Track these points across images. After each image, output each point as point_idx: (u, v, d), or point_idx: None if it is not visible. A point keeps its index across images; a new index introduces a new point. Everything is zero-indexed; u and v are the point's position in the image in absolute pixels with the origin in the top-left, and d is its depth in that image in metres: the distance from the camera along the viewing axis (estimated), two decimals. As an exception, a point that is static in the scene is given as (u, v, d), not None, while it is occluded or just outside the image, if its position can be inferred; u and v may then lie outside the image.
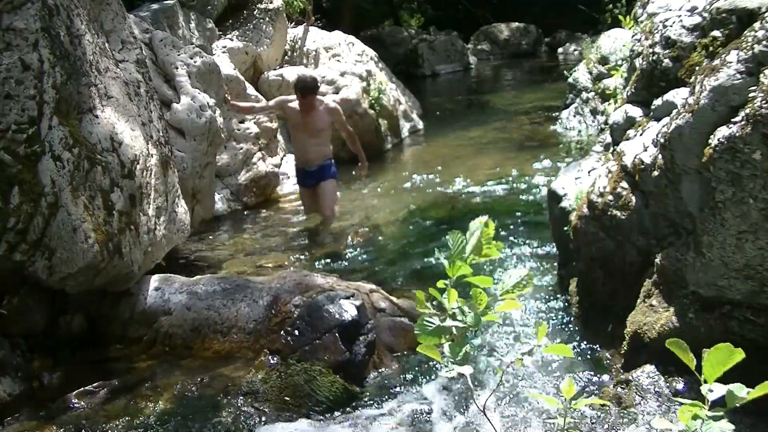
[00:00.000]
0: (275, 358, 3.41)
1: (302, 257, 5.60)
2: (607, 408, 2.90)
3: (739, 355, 1.23)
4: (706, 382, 1.25)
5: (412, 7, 27.49)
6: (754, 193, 2.45)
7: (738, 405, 1.23)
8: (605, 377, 3.31)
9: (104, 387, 3.37)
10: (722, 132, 2.52)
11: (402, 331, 3.82)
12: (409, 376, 3.53)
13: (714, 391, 1.23)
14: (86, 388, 3.34)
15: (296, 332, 3.46)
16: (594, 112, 9.09)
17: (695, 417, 1.23)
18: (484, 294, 1.55)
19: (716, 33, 3.04)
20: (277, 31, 9.32)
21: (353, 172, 6.78)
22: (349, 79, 9.26)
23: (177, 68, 5.97)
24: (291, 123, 6.26)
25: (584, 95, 9.50)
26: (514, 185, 7.31)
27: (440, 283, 1.57)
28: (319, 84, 6.16)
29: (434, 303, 1.58)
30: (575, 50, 18.88)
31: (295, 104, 6.04)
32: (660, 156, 3.01)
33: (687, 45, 3.27)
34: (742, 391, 1.22)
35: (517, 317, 4.13)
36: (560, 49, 20.48)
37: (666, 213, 3.09)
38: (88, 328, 3.82)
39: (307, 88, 5.90)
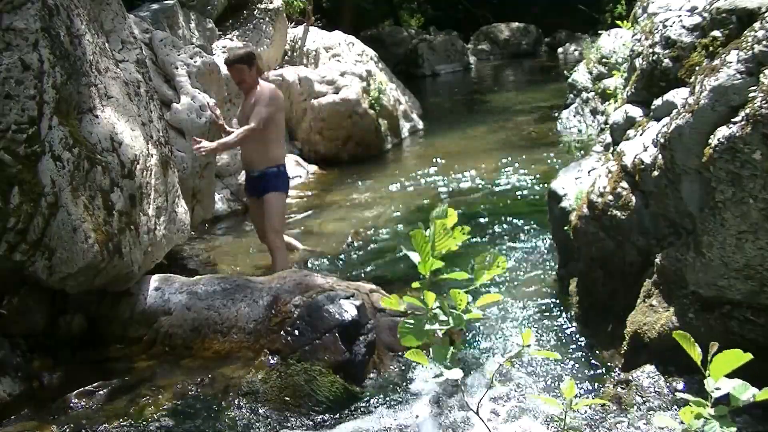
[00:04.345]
0: (275, 358, 3.40)
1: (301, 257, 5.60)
2: (607, 408, 2.90)
3: (746, 356, 1.22)
4: (709, 376, 1.24)
5: (412, 7, 27.49)
6: (754, 193, 2.45)
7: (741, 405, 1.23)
8: (605, 377, 3.30)
9: (104, 387, 3.37)
10: (722, 132, 2.53)
11: (402, 331, 3.81)
12: (409, 376, 3.52)
13: (720, 388, 1.23)
14: (86, 388, 3.34)
15: (296, 332, 3.46)
16: (594, 112, 9.08)
17: (698, 417, 1.23)
18: (462, 293, 1.47)
19: (716, 33, 3.04)
20: (277, 31, 9.32)
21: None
22: (349, 79, 9.27)
23: (177, 68, 5.97)
24: None
25: (584, 95, 9.49)
26: (514, 185, 7.31)
27: (415, 284, 1.48)
28: (246, 55, 4.87)
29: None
30: (575, 50, 18.85)
31: None
32: (660, 156, 3.01)
33: (687, 45, 3.27)
34: (748, 391, 1.21)
35: (517, 317, 4.13)
36: (560, 49, 20.45)
37: (666, 213, 3.09)
38: (88, 328, 3.82)
39: (226, 61, 5.01)
